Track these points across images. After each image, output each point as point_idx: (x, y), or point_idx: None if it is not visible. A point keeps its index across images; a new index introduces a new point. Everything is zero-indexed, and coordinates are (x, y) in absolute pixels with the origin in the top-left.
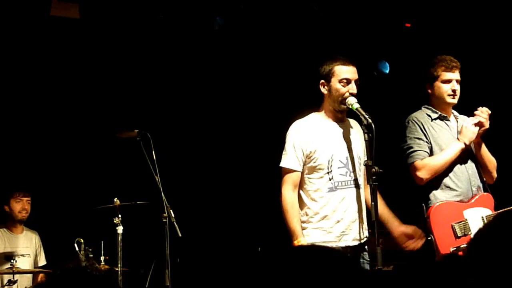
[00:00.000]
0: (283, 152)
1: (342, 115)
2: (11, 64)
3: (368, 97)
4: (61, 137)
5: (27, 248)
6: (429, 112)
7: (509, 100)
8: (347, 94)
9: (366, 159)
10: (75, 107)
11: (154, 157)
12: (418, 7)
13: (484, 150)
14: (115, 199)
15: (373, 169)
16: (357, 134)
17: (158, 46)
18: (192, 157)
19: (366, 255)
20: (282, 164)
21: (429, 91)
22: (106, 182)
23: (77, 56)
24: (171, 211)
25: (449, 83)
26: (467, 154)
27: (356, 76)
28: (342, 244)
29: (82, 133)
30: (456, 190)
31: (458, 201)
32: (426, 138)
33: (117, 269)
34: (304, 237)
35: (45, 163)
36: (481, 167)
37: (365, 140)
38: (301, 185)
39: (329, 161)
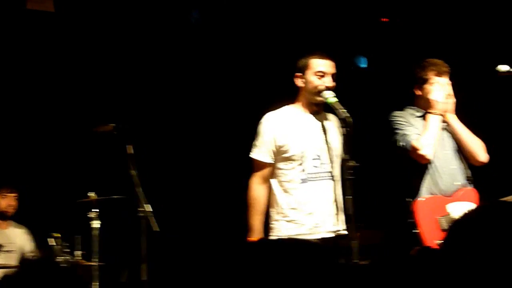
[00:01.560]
0: (254, 143)
1: (318, 108)
2: None
3: (346, 91)
4: (37, 132)
5: (12, 244)
6: (412, 111)
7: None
8: (321, 87)
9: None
10: (51, 101)
11: (131, 151)
12: (395, 2)
13: (463, 129)
14: (92, 194)
15: (350, 163)
16: (335, 127)
17: (134, 39)
18: (169, 151)
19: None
20: (253, 156)
21: (418, 93)
22: (83, 177)
23: (53, 50)
24: (147, 205)
25: None
26: (450, 150)
27: (332, 70)
28: (316, 236)
29: (59, 128)
30: (440, 184)
31: (442, 195)
32: (412, 126)
33: (93, 263)
34: (261, 236)
35: (21, 158)
36: (464, 150)
37: (342, 134)
38: (273, 175)
39: (302, 152)
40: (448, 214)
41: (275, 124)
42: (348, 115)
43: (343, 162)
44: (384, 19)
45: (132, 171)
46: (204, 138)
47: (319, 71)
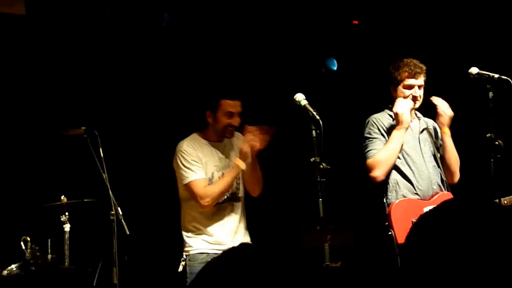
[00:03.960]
0: (185, 170)
1: (223, 137)
2: None
3: (317, 93)
4: (7, 134)
5: None
6: (391, 113)
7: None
8: (229, 126)
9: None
10: (21, 104)
11: (102, 155)
12: (366, 4)
13: (452, 148)
14: (62, 197)
15: (321, 166)
16: (237, 148)
17: (105, 42)
18: (140, 154)
19: None
20: (191, 179)
21: (393, 93)
22: (53, 180)
23: (23, 53)
24: (118, 208)
25: (411, 89)
26: (428, 154)
27: (239, 109)
28: None
29: (28, 131)
30: (417, 188)
31: (418, 199)
32: (384, 138)
33: (64, 267)
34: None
35: None
36: (444, 163)
37: (313, 137)
38: (186, 199)
39: (209, 179)
40: None
41: (193, 150)
42: (318, 117)
43: (315, 165)
44: (355, 22)
45: (103, 174)
46: (175, 141)
47: (229, 112)
